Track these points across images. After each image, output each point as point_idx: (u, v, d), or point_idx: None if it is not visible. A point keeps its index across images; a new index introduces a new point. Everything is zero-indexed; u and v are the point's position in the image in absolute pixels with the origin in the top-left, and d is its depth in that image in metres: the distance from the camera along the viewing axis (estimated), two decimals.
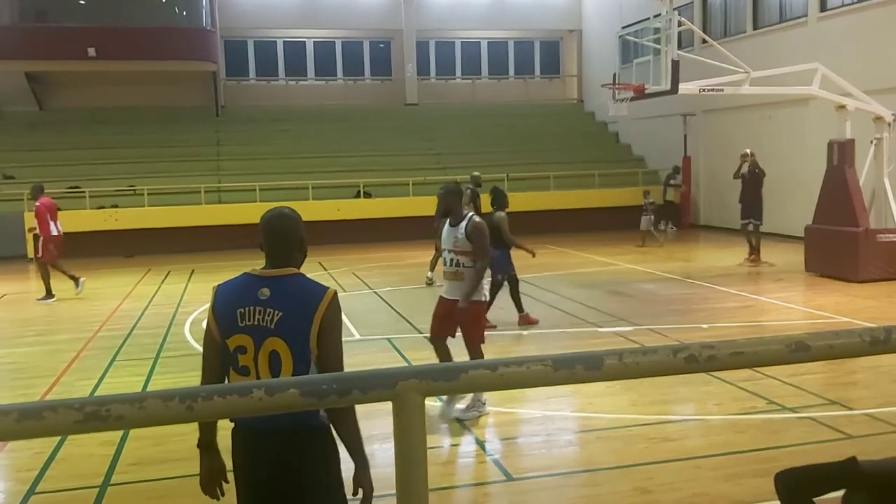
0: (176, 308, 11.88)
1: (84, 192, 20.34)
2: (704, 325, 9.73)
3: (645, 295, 12.31)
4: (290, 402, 1.53)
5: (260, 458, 2.90)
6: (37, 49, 22.81)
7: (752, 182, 14.36)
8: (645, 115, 22.06)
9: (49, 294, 12.95)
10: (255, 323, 2.87)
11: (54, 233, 13.09)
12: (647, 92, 13.26)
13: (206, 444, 3.06)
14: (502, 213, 9.52)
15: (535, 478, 5.38)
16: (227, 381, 2.99)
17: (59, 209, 13.88)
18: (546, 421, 6.47)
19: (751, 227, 14.47)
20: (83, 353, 9.25)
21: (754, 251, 14.62)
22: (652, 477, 5.22)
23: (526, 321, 9.88)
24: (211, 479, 3.06)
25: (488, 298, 6.89)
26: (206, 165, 22.83)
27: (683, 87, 12.75)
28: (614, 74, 14.85)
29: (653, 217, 18.34)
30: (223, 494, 3.08)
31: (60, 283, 13.05)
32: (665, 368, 1.63)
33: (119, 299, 12.94)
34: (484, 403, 6.53)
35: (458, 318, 6.42)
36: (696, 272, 14.30)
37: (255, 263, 3.09)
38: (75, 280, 13.09)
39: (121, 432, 6.13)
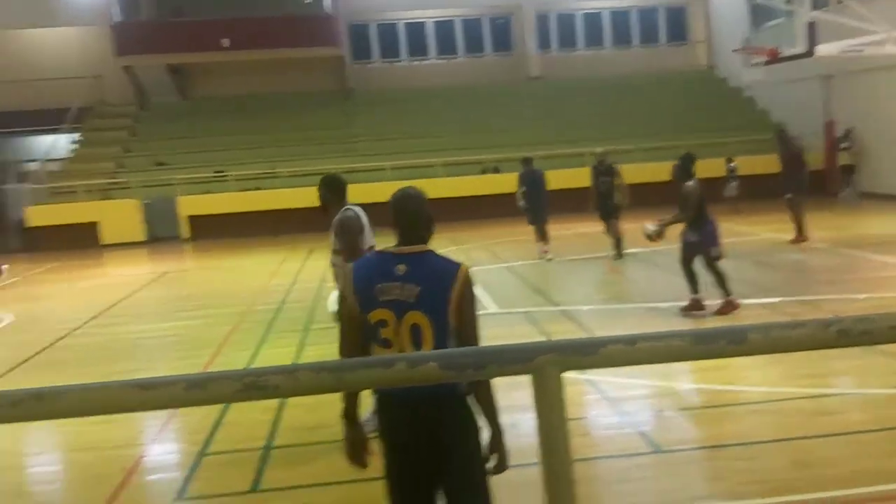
0: (320, 283, 12.53)
1: (228, 176, 21.56)
2: (860, 296, 9.26)
3: (793, 265, 11.96)
4: (430, 375, 1.58)
5: (403, 426, 3.06)
6: (176, 43, 24.23)
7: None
8: (782, 78, 21.14)
9: None
10: (395, 298, 3.02)
11: None
12: (781, 56, 12.79)
13: (349, 415, 3.23)
14: (690, 183, 8.70)
15: (686, 450, 5.31)
16: (364, 353, 3.15)
17: None
18: (695, 394, 6.43)
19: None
20: (239, 326, 9.97)
21: None
22: (810, 451, 5.09)
23: (723, 308, 8.75)
24: (354, 449, 3.24)
25: None
26: (337, 147, 23.67)
27: (821, 50, 12.23)
28: (746, 38, 14.38)
29: (736, 183, 17.83)
30: (367, 464, 3.28)
31: (220, 261, 13.93)
32: (815, 343, 1.58)
33: (269, 276, 13.76)
34: None
35: None
36: (848, 240, 13.73)
37: (387, 240, 3.29)
38: None
39: (279, 400, 6.64)
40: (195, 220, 20.94)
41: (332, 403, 6.25)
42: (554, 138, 23.48)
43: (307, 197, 20.54)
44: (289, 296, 11.81)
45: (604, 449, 5.49)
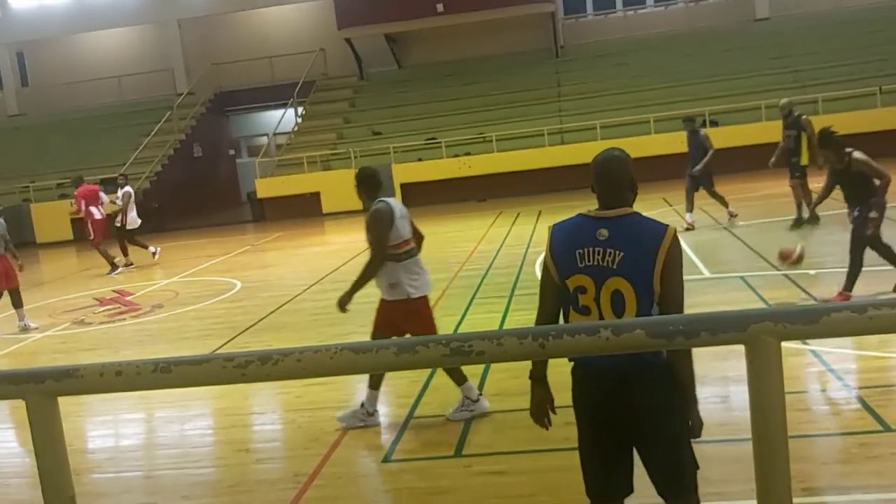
0: (526, 248, 12.46)
1: (440, 142, 21.99)
2: None
3: None
4: (636, 343, 1.52)
5: (602, 395, 3.00)
6: (392, 11, 24.88)
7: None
8: None
9: (113, 267, 14.87)
10: (596, 263, 2.92)
11: (97, 216, 15.10)
12: None
13: (538, 378, 3.22)
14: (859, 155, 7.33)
15: None
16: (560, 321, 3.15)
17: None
18: None
19: None
20: (448, 291, 10.14)
21: None
22: None
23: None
24: (540, 408, 3.22)
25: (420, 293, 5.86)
26: (547, 108, 23.37)
27: None
28: None
29: None
30: (551, 424, 3.26)
31: (429, 228, 14.24)
32: None
33: (475, 241, 13.90)
34: (476, 401, 5.66)
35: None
36: None
37: (595, 204, 3.11)
38: (113, 265, 14.85)
39: (483, 365, 6.66)
40: (407, 188, 21.62)
41: None
42: (782, 84, 21.57)
43: (516, 161, 20.80)
44: (495, 261, 11.84)
45: (824, 426, 5.05)
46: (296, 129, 25.87)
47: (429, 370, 6.67)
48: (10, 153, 25.73)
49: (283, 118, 26.13)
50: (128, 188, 15.46)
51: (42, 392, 2.30)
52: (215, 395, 6.94)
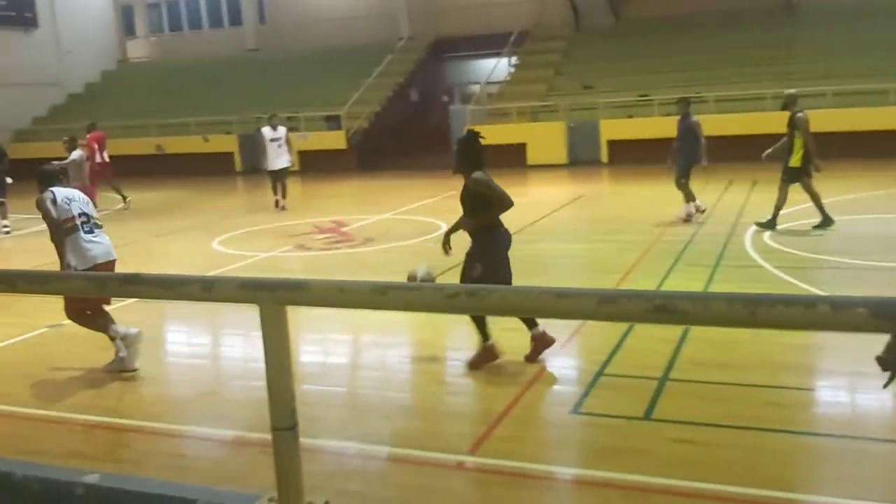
0: (736, 218, 11.92)
1: (652, 100, 21.29)
2: None
3: None
4: (856, 323, 1.42)
5: None
6: None
7: None
8: None
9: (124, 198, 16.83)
10: None
11: (98, 161, 16.65)
12: None
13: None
14: None
15: None
16: None
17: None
18: None
19: None
20: (648, 253, 9.94)
21: None
22: None
23: None
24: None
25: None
26: (773, 70, 21.90)
27: None
28: None
29: None
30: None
31: (635, 188, 13.95)
32: None
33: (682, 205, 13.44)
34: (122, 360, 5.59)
35: None
36: None
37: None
38: (124, 198, 16.78)
39: (680, 332, 6.52)
40: (614, 145, 21.17)
41: (741, 344, 6.05)
42: None
43: (733, 124, 19.73)
44: (701, 228, 11.43)
45: None
46: (507, 78, 25.98)
47: (624, 328, 6.64)
48: (246, 85, 27.82)
49: (496, 67, 26.32)
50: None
51: (274, 300, 2.56)
52: (417, 327, 7.32)
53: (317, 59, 28.73)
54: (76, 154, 11.34)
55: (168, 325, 8.44)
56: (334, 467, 4.74)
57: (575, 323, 6.90)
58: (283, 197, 15.68)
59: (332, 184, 20.62)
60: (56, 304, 6.80)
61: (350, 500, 4.29)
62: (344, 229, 13.03)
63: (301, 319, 6.05)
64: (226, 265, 10.39)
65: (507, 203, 5.89)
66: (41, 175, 6.70)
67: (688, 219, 11.87)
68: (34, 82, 29.83)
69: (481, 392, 5.92)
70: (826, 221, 10.50)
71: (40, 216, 6.50)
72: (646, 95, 21.71)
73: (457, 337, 7.23)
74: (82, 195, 6.75)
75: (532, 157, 21.90)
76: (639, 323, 5.92)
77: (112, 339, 6.45)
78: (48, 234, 6.46)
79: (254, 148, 20.63)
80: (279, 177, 15.56)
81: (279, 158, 15.35)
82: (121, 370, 6.40)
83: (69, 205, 6.47)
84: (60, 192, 6.57)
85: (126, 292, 2.71)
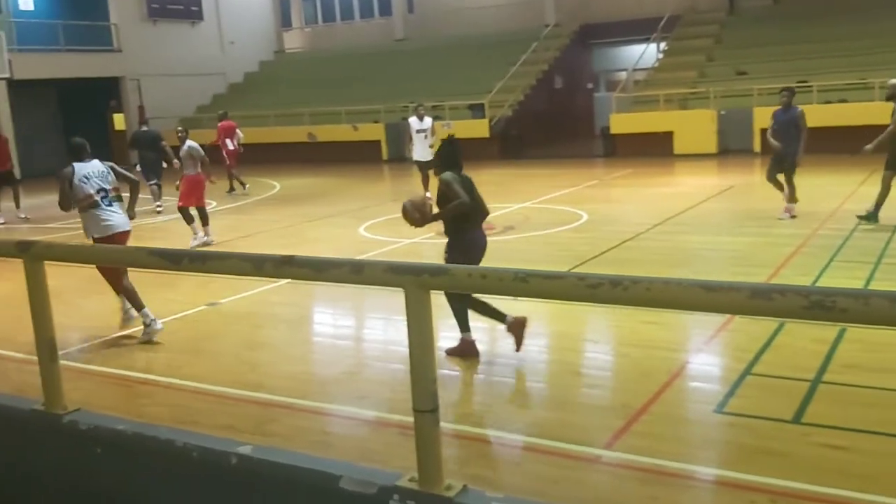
0: None
1: (812, 86, 20.15)
2: None
3: None
4: None
5: None
6: None
7: None
8: None
9: (231, 188, 18.39)
10: None
11: (230, 147, 18.46)
12: None
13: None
14: None
15: None
16: None
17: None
18: None
19: None
20: (802, 249, 9.46)
21: None
22: None
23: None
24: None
25: None
26: None
27: None
28: None
29: None
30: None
31: None
32: None
33: (841, 198, 12.71)
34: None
35: None
36: None
37: None
38: (242, 184, 18.47)
39: (835, 332, 6.18)
40: None
41: None
42: None
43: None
44: (861, 223, 10.74)
45: None
46: (656, 65, 25.29)
47: (774, 326, 6.36)
48: (394, 75, 28.45)
49: (645, 53, 25.66)
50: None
51: (419, 284, 2.63)
52: (553, 317, 7.29)
53: (462, 47, 28.99)
54: (187, 145, 12.00)
55: (315, 306, 8.80)
56: (470, 452, 4.81)
57: (719, 319, 6.67)
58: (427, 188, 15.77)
59: (474, 172, 20.58)
60: (214, 283, 7.25)
61: (485, 485, 4.34)
62: None
63: (442, 304, 6.15)
64: (371, 250, 10.71)
65: (464, 204, 6.02)
66: (69, 147, 7.50)
67: (793, 215, 11.36)
68: (199, 72, 31.76)
69: (620, 386, 5.83)
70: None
71: None
72: (804, 82, 20.56)
73: (595, 328, 7.16)
74: (101, 170, 7.38)
75: (679, 146, 21.24)
76: (793, 320, 5.67)
77: (135, 309, 7.49)
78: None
79: (400, 137, 21.13)
80: (427, 168, 15.09)
81: (426, 150, 15.06)
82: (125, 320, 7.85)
83: (87, 182, 7.21)
84: (81, 169, 7.28)
85: (281, 273, 2.86)
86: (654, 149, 21.13)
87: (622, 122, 22.42)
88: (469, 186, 6.27)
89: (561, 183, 17.01)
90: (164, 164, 16.04)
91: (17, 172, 19.32)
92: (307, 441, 5.01)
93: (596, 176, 18.36)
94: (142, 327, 7.38)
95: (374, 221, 13.13)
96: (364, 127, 26.08)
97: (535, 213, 13.24)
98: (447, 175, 6.21)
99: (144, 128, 17.33)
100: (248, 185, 18.91)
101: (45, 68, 26.67)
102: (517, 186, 17.19)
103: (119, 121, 30.88)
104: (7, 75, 21.12)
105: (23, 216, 16.63)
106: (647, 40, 25.70)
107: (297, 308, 8.43)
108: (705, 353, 6.31)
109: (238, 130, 19.01)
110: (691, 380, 5.88)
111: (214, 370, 6.49)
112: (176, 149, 13.04)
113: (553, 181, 17.50)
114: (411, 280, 2.63)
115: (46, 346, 3.59)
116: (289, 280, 8.28)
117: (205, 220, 12.08)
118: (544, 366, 6.46)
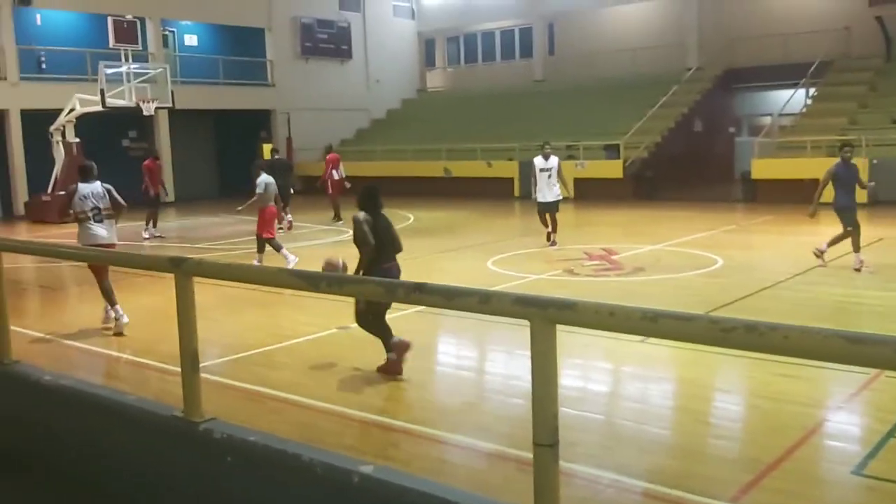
0: None
1: None
2: None
3: None
4: None
5: None
6: None
7: None
8: None
9: (338, 218, 18.95)
10: None
11: (336, 177, 19.29)
12: None
13: None
14: None
15: None
16: None
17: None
18: None
19: None
20: None
21: None
22: None
23: None
24: None
25: None
26: None
27: None
28: None
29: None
30: None
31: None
32: None
33: None
34: None
35: None
36: None
37: None
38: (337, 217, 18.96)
39: None
40: None
41: None
42: None
43: None
44: None
45: None
46: (804, 110, 24.31)
47: None
48: (531, 115, 28.64)
49: (791, 99, 24.74)
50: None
51: (545, 317, 2.64)
52: (682, 363, 7.09)
53: (600, 89, 28.89)
54: (261, 179, 12.74)
55: (440, 336, 8.91)
56: (588, 493, 4.72)
57: (863, 376, 6.29)
58: (554, 230, 14.50)
59: (606, 212, 20.57)
60: (347, 308, 7.48)
61: None
62: (614, 257, 12.94)
63: (565, 341, 6.09)
64: (497, 284, 10.75)
65: (369, 246, 6.73)
66: (78, 169, 9.36)
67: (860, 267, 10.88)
68: (345, 108, 33.12)
69: (750, 439, 5.59)
70: None
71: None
72: None
73: (726, 377, 6.90)
74: (99, 191, 8.86)
75: (827, 194, 20.20)
76: None
77: (109, 305, 8.97)
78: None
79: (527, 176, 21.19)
80: (548, 210, 14.45)
81: (549, 190, 14.34)
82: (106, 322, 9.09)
83: (85, 200, 8.75)
84: (84, 188, 8.83)
85: (412, 300, 2.94)
86: (798, 196, 20.19)
87: (765, 168, 21.64)
88: (385, 225, 6.99)
89: (696, 226, 16.55)
90: (291, 191, 17.95)
91: (170, 195, 20.68)
92: (426, 468, 5.07)
93: (733, 221, 17.76)
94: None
95: (501, 256, 13.19)
96: (498, 164, 26.32)
97: (666, 256, 12.94)
98: (360, 215, 6.88)
99: (277, 156, 18.62)
100: (341, 221, 19.27)
101: (204, 99, 28.49)
102: (649, 228, 16.86)
103: (267, 151, 32.56)
104: (169, 105, 22.68)
105: (147, 236, 17.60)
106: (794, 85, 24.78)
107: (423, 336, 8.55)
108: (845, 410, 5.96)
109: (341, 164, 19.86)
110: (828, 438, 5.56)
111: (341, 391, 6.67)
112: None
113: (687, 224, 17.06)
114: (537, 313, 2.65)
115: (189, 356, 3.82)
116: (416, 309, 8.46)
117: (261, 248, 12.78)
118: (670, 412, 6.27)
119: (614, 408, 6.27)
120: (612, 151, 24.19)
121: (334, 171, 19.50)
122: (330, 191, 19.50)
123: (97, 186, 8.89)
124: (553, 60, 33.27)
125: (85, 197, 8.78)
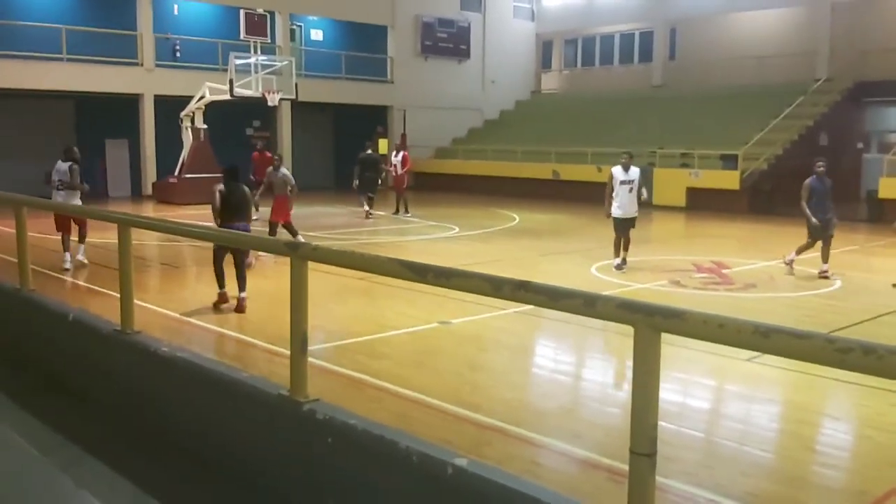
0: None
1: None
2: None
3: None
4: None
5: None
6: None
7: None
8: None
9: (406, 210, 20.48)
10: None
11: (399, 171, 20.65)
12: None
13: None
14: None
15: None
16: None
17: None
18: None
19: None
20: None
21: None
22: None
23: None
24: None
25: None
26: None
27: None
28: None
29: None
30: None
31: None
32: None
33: None
34: None
35: None
36: None
37: None
38: (398, 209, 20.59)
39: None
40: None
41: None
42: None
43: None
44: None
45: None
46: None
47: None
48: (645, 121, 28.12)
49: None
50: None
51: (651, 325, 2.61)
52: (792, 386, 6.84)
53: (721, 97, 28.06)
54: (281, 171, 13.18)
55: (539, 338, 8.89)
56: None
57: None
58: (626, 249, 12.54)
59: (718, 223, 19.97)
60: (449, 303, 7.54)
61: None
62: (724, 271, 12.56)
63: (667, 354, 5.97)
64: (600, 291, 10.63)
65: (214, 209, 9.34)
66: (66, 152, 12.02)
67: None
68: (459, 107, 33.46)
69: (859, 470, 5.34)
70: None
71: None
72: None
73: (838, 403, 6.60)
74: (63, 169, 11.78)
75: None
76: None
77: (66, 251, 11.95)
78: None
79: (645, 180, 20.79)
80: (630, 226, 12.64)
81: (631, 205, 12.60)
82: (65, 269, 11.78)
83: (54, 174, 11.82)
84: (57, 166, 11.86)
85: (517, 297, 2.95)
86: None
87: (894, 187, 20.54)
88: (240, 194, 9.46)
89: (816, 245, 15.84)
90: (379, 182, 19.87)
91: (259, 213, 21.61)
92: (517, 469, 5.07)
93: (856, 241, 16.92)
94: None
95: (606, 262, 13.00)
96: (608, 169, 25.91)
97: (781, 273, 12.46)
98: (218, 186, 9.34)
99: (369, 151, 19.50)
100: (400, 213, 20.62)
101: (326, 93, 29.31)
102: (764, 243, 16.28)
103: (383, 146, 33.26)
104: (293, 97, 23.42)
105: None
106: None
107: (522, 338, 8.56)
108: None
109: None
110: None
111: (438, 385, 6.75)
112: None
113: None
114: (643, 319, 2.63)
115: (299, 338, 3.96)
116: (516, 309, 8.46)
117: (293, 234, 12.97)
118: (775, 435, 6.06)
119: (716, 426, 6.11)
120: (729, 161, 23.47)
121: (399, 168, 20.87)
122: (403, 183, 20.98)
123: (62, 165, 11.79)
124: (673, 66, 32.53)
125: (56, 171, 11.78)
